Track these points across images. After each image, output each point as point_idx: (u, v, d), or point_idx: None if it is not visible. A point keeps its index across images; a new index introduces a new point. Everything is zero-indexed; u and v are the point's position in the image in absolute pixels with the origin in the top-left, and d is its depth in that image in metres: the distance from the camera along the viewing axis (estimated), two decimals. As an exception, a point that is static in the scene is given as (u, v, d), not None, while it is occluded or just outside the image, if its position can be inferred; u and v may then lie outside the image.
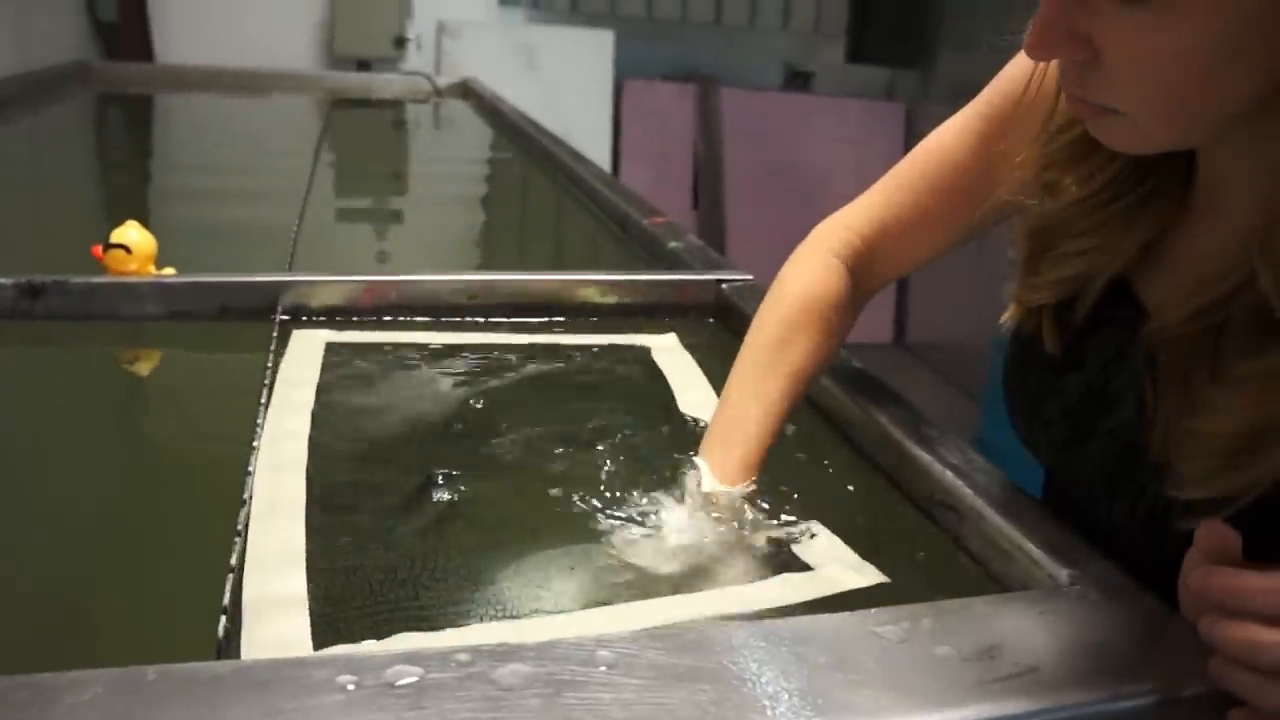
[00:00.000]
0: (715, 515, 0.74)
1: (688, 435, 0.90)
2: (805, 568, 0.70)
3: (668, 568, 0.69)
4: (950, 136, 0.82)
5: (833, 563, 0.70)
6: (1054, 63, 0.66)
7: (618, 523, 0.74)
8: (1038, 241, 0.73)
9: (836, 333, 0.85)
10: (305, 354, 0.99)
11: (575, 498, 0.77)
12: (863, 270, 0.87)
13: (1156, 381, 0.63)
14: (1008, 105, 0.77)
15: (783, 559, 0.71)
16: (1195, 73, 0.55)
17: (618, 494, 0.78)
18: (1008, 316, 0.78)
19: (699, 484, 0.76)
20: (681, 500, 0.75)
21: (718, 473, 0.77)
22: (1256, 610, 0.51)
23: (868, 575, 0.69)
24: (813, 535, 0.73)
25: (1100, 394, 0.70)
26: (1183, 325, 0.61)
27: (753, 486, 0.77)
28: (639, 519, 0.74)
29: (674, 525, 0.73)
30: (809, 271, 0.86)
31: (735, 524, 0.73)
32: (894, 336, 4.77)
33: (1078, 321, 0.72)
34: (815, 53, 5.08)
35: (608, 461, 0.83)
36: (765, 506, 0.76)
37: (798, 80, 4.98)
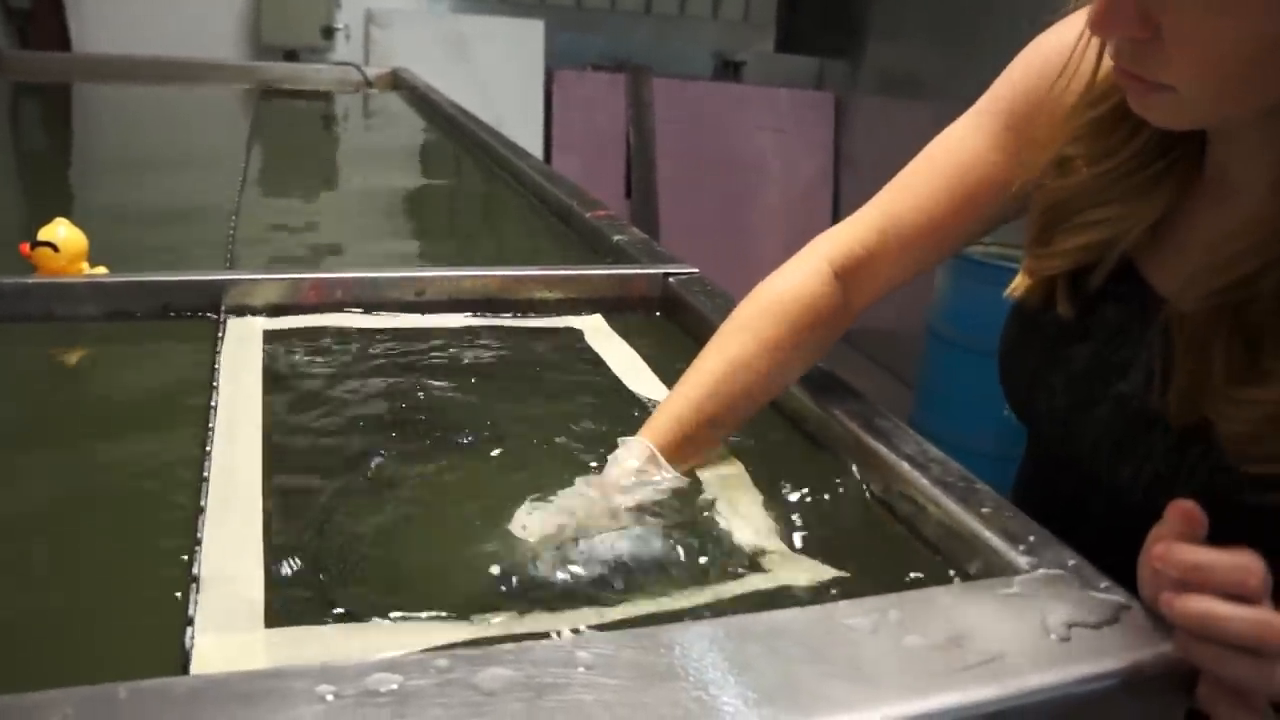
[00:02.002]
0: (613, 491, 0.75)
1: (626, 409, 0.92)
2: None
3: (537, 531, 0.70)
4: (958, 138, 0.82)
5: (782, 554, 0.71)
6: (1088, 43, 0.70)
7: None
8: (1052, 215, 0.76)
9: (806, 333, 0.83)
10: (244, 342, 0.99)
11: (514, 481, 0.78)
12: (861, 278, 0.85)
13: (1171, 354, 0.67)
14: (1028, 94, 0.78)
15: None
16: (1252, 54, 0.57)
17: (559, 473, 0.78)
18: (1015, 288, 0.81)
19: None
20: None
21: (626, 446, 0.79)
22: (1216, 585, 0.53)
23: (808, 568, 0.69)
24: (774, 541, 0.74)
25: (1108, 363, 0.74)
26: (1202, 302, 0.65)
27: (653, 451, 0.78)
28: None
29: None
30: (789, 273, 0.85)
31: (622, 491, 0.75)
32: (826, 324, 4.81)
33: (1092, 288, 0.75)
34: (745, 42, 5.10)
35: (547, 442, 0.85)
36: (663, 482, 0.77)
37: (728, 69, 5.00)
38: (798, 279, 0.84)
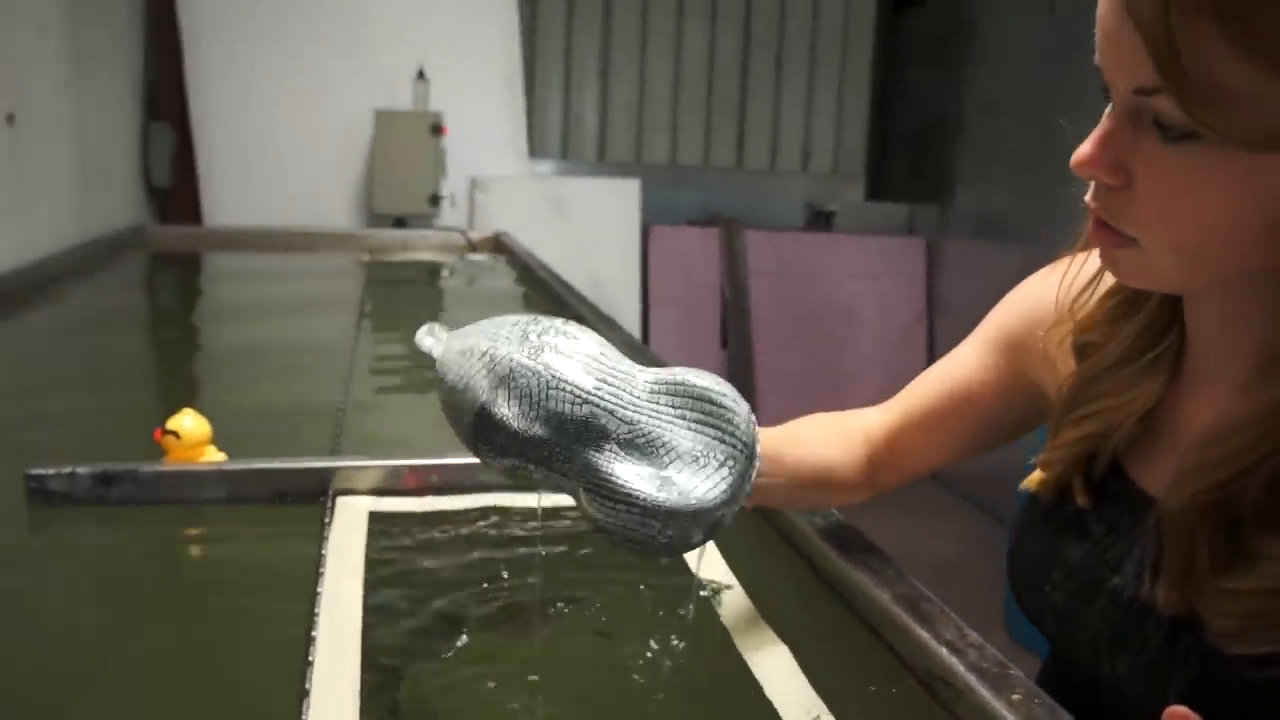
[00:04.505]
0: None
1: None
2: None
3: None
4: (961, 354, 0.92)
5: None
6: (1080, 266, 0.76)
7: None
8: (1063, 408, 0.80)
9: (834, 441, 0.95)
10: (349, 526, 1.09)
11: (610, 664, 0.85)
12: (881, 460, 0.96)
13: (1162, 548, 0.70)
14: (1023, 319, 0.86)
15: None
16: (1217, 219, 0.59)
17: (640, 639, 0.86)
18: (1033, 483, 0.84)
19: None
20: None
21: None
22: None
23: None
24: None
25: (1102, 559, 0.77)
26: (1187, 501, 0.66)
27: None
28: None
29: None
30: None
31: None
32: (924, 466, 4.80)
33: (1095, 480, 0.78)
34: (836, 192, 5.25)
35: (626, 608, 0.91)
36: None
37: (820, 219, 5.14)
38: (838, 416, 0.98)
